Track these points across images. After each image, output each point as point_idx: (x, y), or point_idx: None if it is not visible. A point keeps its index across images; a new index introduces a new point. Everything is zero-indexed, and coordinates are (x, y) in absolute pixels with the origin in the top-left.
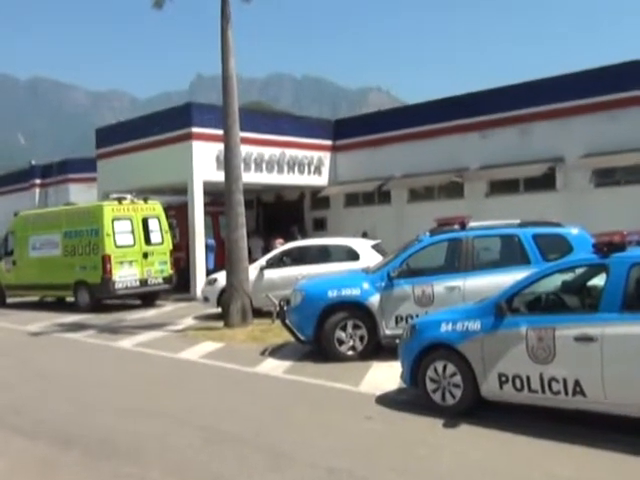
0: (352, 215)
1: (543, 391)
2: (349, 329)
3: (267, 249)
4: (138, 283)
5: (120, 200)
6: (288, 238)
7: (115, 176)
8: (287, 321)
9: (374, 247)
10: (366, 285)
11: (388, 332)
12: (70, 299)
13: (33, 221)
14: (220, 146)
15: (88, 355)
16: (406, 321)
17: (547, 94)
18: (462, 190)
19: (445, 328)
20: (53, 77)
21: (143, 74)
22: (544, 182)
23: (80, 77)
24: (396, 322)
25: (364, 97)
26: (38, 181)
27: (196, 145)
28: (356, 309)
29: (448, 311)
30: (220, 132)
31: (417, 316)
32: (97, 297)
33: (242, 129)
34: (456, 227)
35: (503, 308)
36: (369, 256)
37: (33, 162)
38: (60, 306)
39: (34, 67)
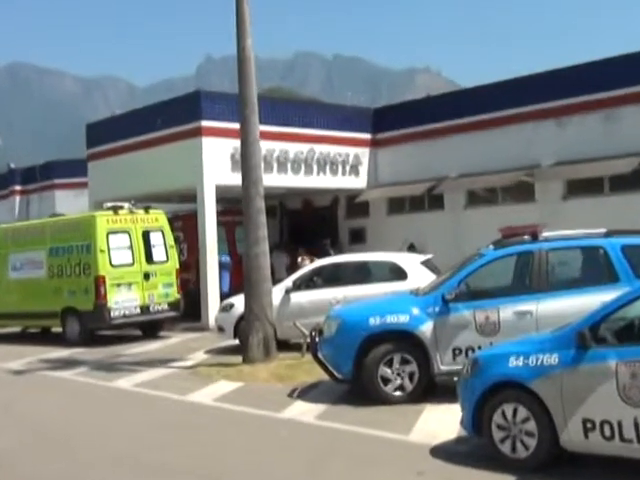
0: (397, 224)
1: (639, 440)
2: (396, 364)
3: (293, 267)
4: (138, 310)
5: (116, 210)
6: (319, 253)
7: (110, 181)
8: (319, 355)
9: (424, 263)
10: (416, 310)
11: (444, 368)
12: (57, 330)
13: (12, 236)
14: (235, 142)
15: (79, 398)
16: (466, 354)
17: (638, 72)
18: (533, 192)
19: (515, 363)
20: (35, 62)
21: (141, 57)
22: (634, 180)
23: (67, 61)
24: (454, 356)
25: (410, 80)
26: (18, 187)
27: (206, 142)
28: (404, 340)
29: (518, 342)
30: (235, 125)
31: (480, 348)
32: (89, 327)
33: (262, 121)
34: (526, 238)
35: (586, 338)
36: (418, 275)
37: (12, 165)
38: (45, 338)
39: (12, 51)
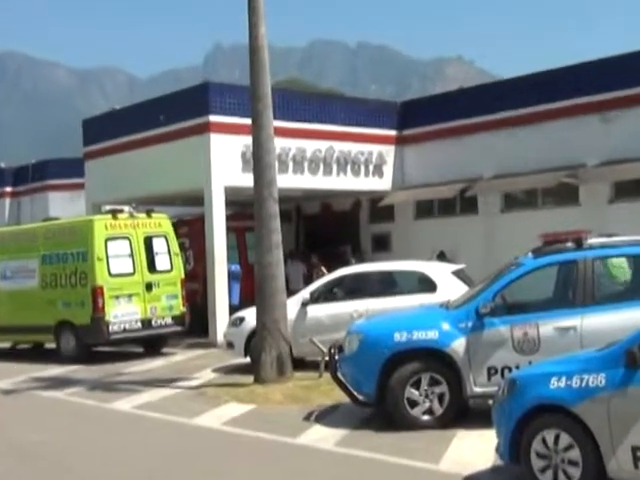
0: (425, 230)
1: None
2: (424, 385)
3: (311, 277)
4: (139, 324)
5: (115, 214)
6: (339, 262)
7: (108, 182)
8: (339, 375)
9: (456, 273)
10: (446, 326)
11: (477, 389)
12: (51, 346)
13: (1, 242)
14: (247, 140)
15: (73, 420)
16: (502, 374)
17: None
18: (577, 194)
19: (556, 384)
20: (27, 52)
21: (143, 45)
22: None
23: (61, 51)
24: (488, 376)
25: (440, 70)
26: (8, 189)
27: (215, 139)
28: (433, 358)
29: (560, 361)
30: (247, 121)
31: (517, 367)
32: (85, 343)
33: (276, 116)
34: (569, 245)
35: (637, 356)
36: (449, 286)
37: (1, 164)
38: (38, 355)
39: (1, 39)
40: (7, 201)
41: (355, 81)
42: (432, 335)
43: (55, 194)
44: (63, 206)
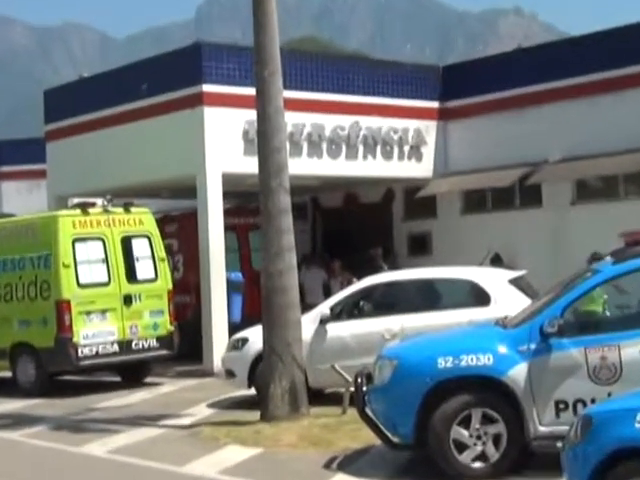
0: (475, 228)
1: None
2: (475, 424)
3: (331, 287)
4: (116, 347)
5: (85, 208)
6: (367, 268)
7: (76, 168)
8: (368, 411)
9: (514, 282)
10: (503, 348)
11: (543, 429)
12: (4, 374)
13: None
14: (250, 114)
15: (33, 468)
16: (574, 410)
17: None
18: None
19: None
20: None
21: None
22: None
23: (16, 4)
24: (557, 412)
25: (492, 25)
26: None
27: (210, 113)
28: (487, 389)
29: None
30: (250, 91)
31: (593, 401)
32: (49, 371)
33: (287, 85)
34: None
35: None
36: (506, 298)
37: None
38: None
39: None
40: None
41: (385, 40)
42: (485, 360)
43: (9, 184)
44: (19, 199)
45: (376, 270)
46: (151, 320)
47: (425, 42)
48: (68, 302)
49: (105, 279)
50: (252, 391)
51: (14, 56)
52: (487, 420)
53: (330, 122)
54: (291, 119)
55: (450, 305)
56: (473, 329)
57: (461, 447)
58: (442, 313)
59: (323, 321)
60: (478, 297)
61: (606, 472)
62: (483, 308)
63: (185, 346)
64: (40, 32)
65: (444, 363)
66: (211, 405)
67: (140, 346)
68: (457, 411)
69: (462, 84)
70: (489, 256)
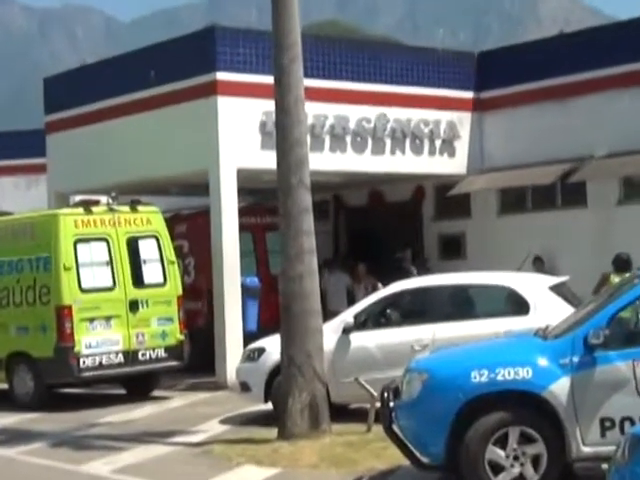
0: (513, 229)
1: None
2: (512, 444)
3: (355, 293)
4: (121, 358)
5: (88, 206)
6: (395, 273)
7: (79, 162)
8: (395, 428)
9: (556, 288)
10: (543, 361)
11: (586, 449)
12: (0, 386)
13: None
14: (268, 104)
15: None
16: (621, 429)
17: None
18: None
19: None
20: None
21: None
22: None
23: None
24: (602, 430)
25: (531, 8)
26: None
27: (224, 103)
28: (525, 406)
29: None
30: (268, 79)
31: None
32: (48, 383)
33: (308, 73)
34: None
35: None
36: (547, 306)
37: None
38: None
39: None
40: None
41: (415, 24)
42: (523, 374)
43: (5, 179)
44: (16, 196)
45: (404, 275)
46: (159, 328)
47: (459, 26)
48: (69, 308)
49: (109, 283)
50: (269, 406)
51: (11, 41)
52: (525, 439)
53: (355, 113)
54: (312, 110)
55: (485, 314)
56: (510, 340)
57: (497, 469)
58: (476, 322)
59: (346, 330)
60: (516, 305)
61: None
62: (521, 317)
63: (196, 357)
64: (40, 14)
65: (478, 377)
66: (224, 421)
67: (147, 356)
68: (493, 429)
69: (499, 72)
70: (528, 260)
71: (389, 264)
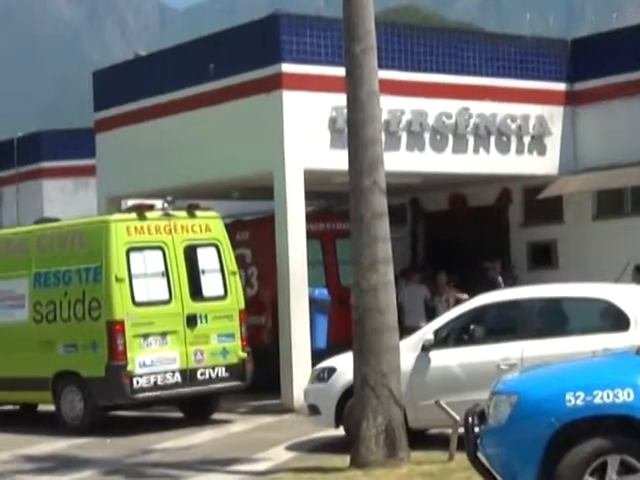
0: (611, 234)
1: None
2: (611, 474)
3: (435, 306)
4: (178, 377)
5: (142, 211)
6: (482, 284)
7: (131, 164)
8: (480, 455)
9: None
10: None
11: None
12: (47, 408)
13: None
14: (338, 99)
15: None
16: None
17: None
18: None
19: None
20: None
21: None
22: None
23: None
24: None
25: None
26: None
27: (290, 98)
28: (626, 432)
29: None
30: (338, 71)
31: None
32: (99, 405)
33: (383, 64)
34: None
35: None
36: None
37: None
38: (28, 422)
39: None
40: None
41: (498, 9)
42: (624, 397)
43: (52, 182)
44: (64, 200)
45: (492, 286)
46: (219, 345)
47: (548, 10)
48: (121, 323)
49: (165, 296)
50: (340, 431)
51: (57, 33)
52: (626, 469)
53: (434, 108)
54: (387, 105)
55: (580, 330)
56: (609, 359)
57: None
58: (570, 339)
59: (426, 348)
60: (615, 320)
61: None
62: (621, 333)
63: (260, 376)
64: (87, 3)
65: (573, 400)
66: (291, 447)
67: (206, 376)
68: (589, 458)
69: (594, 61)
70: (627, 270)
71: (473, 274)
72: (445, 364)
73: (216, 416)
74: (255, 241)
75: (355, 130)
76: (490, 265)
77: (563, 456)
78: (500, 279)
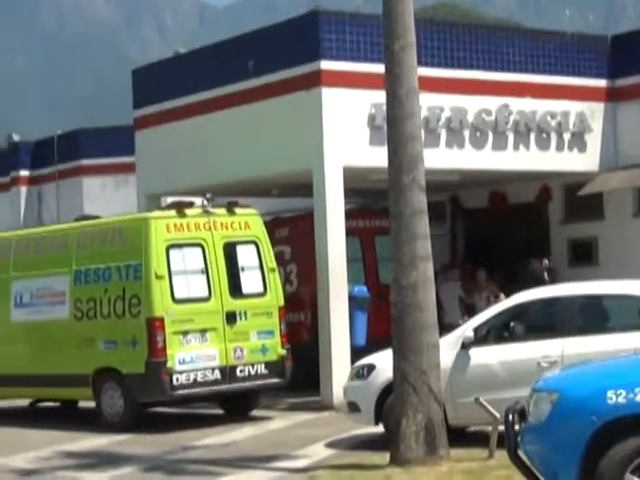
0: None
1: None
2: None
3: (475, 304)
4: (218, 374)
5: (182, 209)
6: (525, 281)
7: (170, 161)
8: (521, 453)
9: None
10: None
11: None
12: (87, 404)
13: (15, 252)
14: (377, 96)
15: None
16: None
17: None
18: None
19: None
20: None
21: None
22: None
23: None
24: None
25: None
26: (24, 173)
27: (329, 95)
28: None
29: None
30: (377, 68)
31: None
32: (139, 401)
33: (422, 61)
34: None
35: None
36: None
37: (15, 137)
38: (69, 418)
39: None
40: (23, 190)
41: (539, 5)
42: None
43: (92, 180)
44: (103, 198)
45: (538, 283)
46: (259, 342)
47: (588, 6)
48: (161, 320)
49: (205, 293)
50: (380, 428)
51: (95, 31)
52: None
53: (474, 105)
54: (427, 102)
55: (622, 327)
56: None
57: None
58: (611, 337)
59: (466, 345)
60: None
61: None
62: None
63: (299, 374)
64: (126, 3)
65: (615, 398)
66: (330, 444)
67: (246, 373)
68: (631, 456)
69: (635, 58)
70: None
71: (519, 271)
72: (485, 361)
73: (255, 413)
74: (294, 238)
75: (394, 127)
76: (534, 262)
77: (604, 454)
78: (546, 276)
